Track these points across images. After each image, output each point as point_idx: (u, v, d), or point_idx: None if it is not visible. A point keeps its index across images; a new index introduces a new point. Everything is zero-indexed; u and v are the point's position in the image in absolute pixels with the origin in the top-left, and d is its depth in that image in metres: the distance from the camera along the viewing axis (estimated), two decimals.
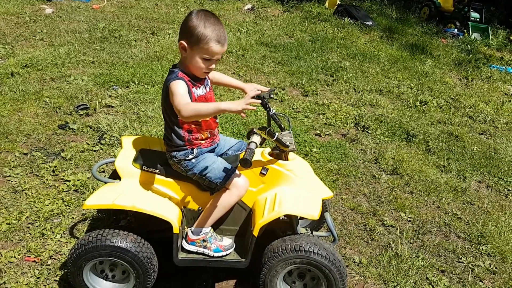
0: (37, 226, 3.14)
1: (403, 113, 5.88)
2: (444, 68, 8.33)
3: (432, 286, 3.00)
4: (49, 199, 3.42)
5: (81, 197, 3.49)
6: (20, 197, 3.41)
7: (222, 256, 2.60)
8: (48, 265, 2.84)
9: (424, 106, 6.28)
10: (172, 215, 2.47)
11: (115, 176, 2.70)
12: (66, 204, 3.39)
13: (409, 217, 3.73)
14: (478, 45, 10.33)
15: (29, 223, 3.17)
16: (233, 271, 2.87)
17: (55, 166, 3.83)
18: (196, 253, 2.61)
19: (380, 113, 5.73)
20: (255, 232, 2.46)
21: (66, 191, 3.54)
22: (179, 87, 2.26)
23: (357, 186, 4.10)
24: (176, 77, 2.31)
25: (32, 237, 3.06)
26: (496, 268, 3.27)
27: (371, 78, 6.98)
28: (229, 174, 2.52)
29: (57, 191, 3.53)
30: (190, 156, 2.51)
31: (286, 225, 2.71)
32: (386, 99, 6.33)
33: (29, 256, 2.90)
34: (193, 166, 2.53)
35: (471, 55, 9.31)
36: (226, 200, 2.53)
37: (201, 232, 2.58)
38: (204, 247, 2.59)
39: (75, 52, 6.49)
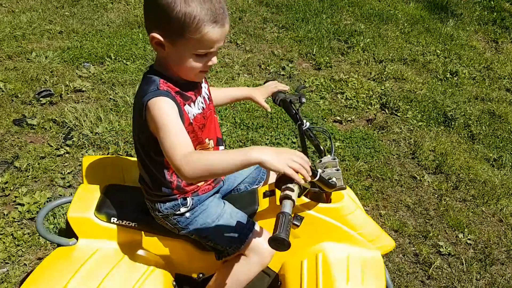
0: None
1: (435, 89, 4.94)
2: (468, 29, 7.29)
3: None
4: None
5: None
6: None
7: None
8: None
9: (455, 78, 5.33)
10: None
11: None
12: (17, 242, 2.49)
13: (469, 239, 2.89)
14: (500, 1, 9.23)
15: None
16: None
17: (5, 182, 2.90)
18: None
19: (408, 89, 4.79)
20: None
21: (18, 221, 2.64)
22: (167, 111, 1.34)
23: (396, 194, 3.24)
24: (157, 91, 1.38)
25: None
26: None
27: (392, 44, 5.97)
28: (244, 234, 1.63)
29: (6, 221, 2.62)
30: (183, 210, 1.61)
31: None
32: (411, 70, 5.36)
33: None
34: (187, 223, 1.63)
35: (495, 13, 8.25)
36: (242, 272, 1.65)
37: None
38: None
39: (40, 20, 5.37)
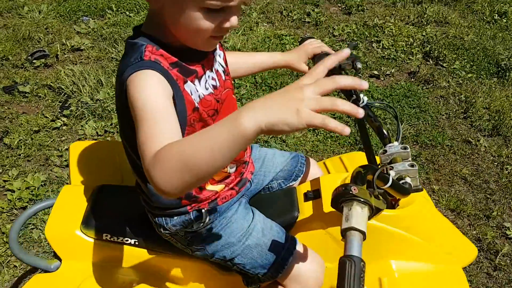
0: None
1: (483, 33, 4.27)
2: None
3: None
4: None
5: (31, 222, 2.20)
6: None
7: None
8: None
9: (504, 20, 4.61)
10: None
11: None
12: (5, 238, 2.12)
13: None
14: None
15: None
16: None
17: None
18: None
19: (453, 34, 4.13)
20: None
21: (8, 212, 2.25)
22: (145, 88, 0.87)
23: (449, 164, 2.74)
24: (139, 62, 0.91)
25: None
26: None
27: None
28: (283, 257, 1.18)
29: None
30: (196, 226, 1.16)
31: None
32: (454, 12, 4.66)
33: None
34: (204, 243, 1.19)
35: None
36: None
37: None
38: None
39: None
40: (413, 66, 3.64)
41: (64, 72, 3.20)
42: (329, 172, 1.61)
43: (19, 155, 2.58)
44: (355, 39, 3.96)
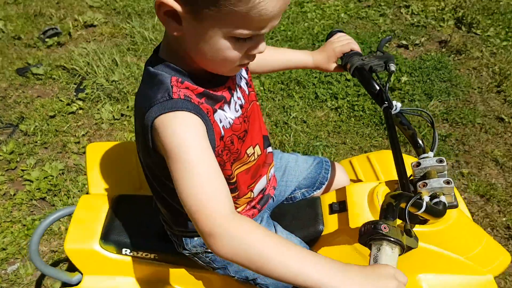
0: None
1: None
2: None
3: None
4: None
5: (50, 212, 2.19)
6: None
7: None
8: None
9: None
10: None
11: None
12: (26, 231, 2.11)
13: None
14: None
15: None
16: None
17: (11, 152, 2.48)
18: None
19: None
20: None
21: (27, 204, 2.24)
22: (186, 138, 0.80)
23: (480, 145, 2.59)
24: (169, 101, 0.82)
25: None
26: None
27: None
28: None
29: (13, 204, 2.23)
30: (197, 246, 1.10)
31: None
32: None
33: None
34: (225, 263, 1.13)
35: None
36: None
37: None
38: None
39: None
40: (445, 35, 3.41)
41: (77, 52, 3.11)
42: (355, 173, 1.51)
43: (36, 142, 2.55)
44: (382, 4, 3.72)
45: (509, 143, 2.61)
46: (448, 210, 1.16)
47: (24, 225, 2.13)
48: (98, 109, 2.76)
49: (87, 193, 1.44)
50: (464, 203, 1.47)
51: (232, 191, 1.01)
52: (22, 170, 2.38)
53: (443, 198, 1.07)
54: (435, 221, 1.17)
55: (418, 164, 1.11)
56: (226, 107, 0.94)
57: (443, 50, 3.28)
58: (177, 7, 0.75)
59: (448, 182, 1.07)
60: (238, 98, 0.98)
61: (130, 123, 2.68)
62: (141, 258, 1.25)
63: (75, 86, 2.91)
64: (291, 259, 0.74)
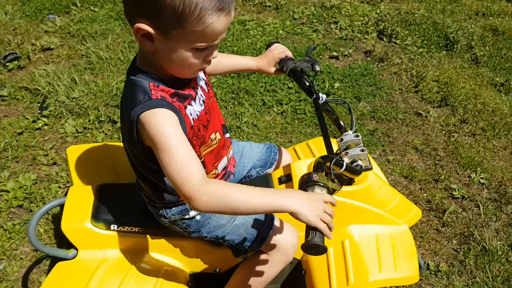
0: None
1: (433, 7, 4.59)
2: None
3: None
4: None
5: (29, 218, 2.39)
6: None
7: None
8: None
9: None
10: None
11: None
12: (8, 235, 2.31)
13: (482, 177, 2.77)
14: None
15: None
16: None
17: None
18: None
19: (405, 10, 4.43)
20: None
21: (6, 211, 2.43)
22: (167, 129, 1.10)
23: (402, 136, 3.06)
24: (150, 101, 1.12)
25: None
26: None
27: None
28: (264, 232, 1.45)
29: None
30: (192, 214, 1.41)
31: None
32: None
33: None
34: (199, 226, 1.45)
35: None
36: (264, 271, 1.49)
37: None
38: None
39: None
40: (369, 46, 3.93)
41: (38, 73, 3.31)
42: (298, 157, 1.88)
43: (7, 157, 2.73)
44: (314, 21, 4.20)
45: (427, 133, 3.11)
46: (366, 173, 1.56)
47: (6, 230, 2.32)
48: (62, 124, 2.97)
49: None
50: (380, 170, 1.88)
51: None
52: None
53: (360, 162, 1.46)
54: (358, 181, 1.56)
55: (341, 139, 1.50)
56: (193, 102, 1.27)
57: (368, 59, 3.78)
58: (151, 30, 1.05)
59: (362, 150, 1.46)
60: (201, 95, 1.31)
61: (92, 135, 2.92)
62: (126, 232, 1.53)
63: (39, 104, 3.11)
64: (252, 196, 1.08)
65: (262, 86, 3.35)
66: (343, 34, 4.04)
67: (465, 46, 4.00)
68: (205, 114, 1.31)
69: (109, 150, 1.81)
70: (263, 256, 1.49)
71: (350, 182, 1.58)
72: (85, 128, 2.98)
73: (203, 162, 1.37)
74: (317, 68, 1.56)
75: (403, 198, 1.73)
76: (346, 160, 1.41)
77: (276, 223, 1.47)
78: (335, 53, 3.77)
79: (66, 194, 1.63)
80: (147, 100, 1.11)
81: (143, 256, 1.57)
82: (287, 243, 1.46)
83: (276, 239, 1.45)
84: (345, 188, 1.54)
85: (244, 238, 1.45)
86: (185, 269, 1.62)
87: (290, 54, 1.64)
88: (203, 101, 1.32)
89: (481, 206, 2.59)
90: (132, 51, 3.60)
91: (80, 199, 1.57)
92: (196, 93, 1.28)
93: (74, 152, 1.78)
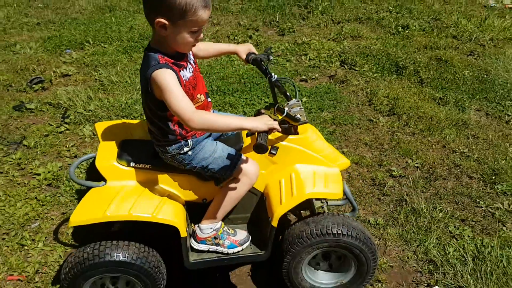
0: (13, 236, 2.72)
1: (388, 43, 5.49)
2: None
3: (456, 239, 2.82)
4: (20, 201, 2.97)
5: (57, 192, 3.04)
6: None
7: (238, 252, 2.29)
8: (36, 282, 2.47)
9: (407, 31, 5.89)
10: (176, 216, 2.11)
11: (98, 175, 2.26)
12: (41, 203, 2.95)
13: (417, 163, 3.48)
14: None
15: (3, 234, 2.74)
16: None
17: (19, 158, 3.33)
18: (208, 251, 2.29)
19: (364, 45, 5.32)
20: (275, 223, 2.14)
21: (39, 188, 3.09)
22: (169, 79, 1.79)
23: (356, 135, 3.80)
24: (158, 64, 1.83)
25: (10, 250, 2.65)
26: None
27: (348, 5, 6.47)
28: (234, 162, 2.14)
29: (28, 188, 3.07)
30: (185, 149, 2.10)
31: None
32: (367, 28, 5.89)
33: (12, 275, 2.52)
34: (190, 159, 2.13)
35: None
36: (236, 191, 2.17)
37: (211, 228, 2.25)
38: (217, 244, 2.27)
39: (16, 14, 5.66)
40: (332, 71, 4.75)
41: (59, 91, 4.07)
42: None
43: (37, 152, 3.41)
44: (288, 54, 5.05)
45: (375, 134, 3.84)
46: (306, 127, 2.28)
47: (39, 200, 2.97)
48: (80, 129, 3.68)
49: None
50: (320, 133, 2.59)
51: None
52: (31, 169, 3.23)
53: (299, 116, 2.17)
54: (301, 132, 2.26)
55: (288, 103, 2.23)
56: (185, 70, 1.99)
57: (331, 81, 4.59)
58: (166, 22, 1.79)
59: (300, 108, 2.19)
60: (190, 66, 2.05)
61: None
62: (140, 168, 2.20)
63: (61, 115, 3.84)
64: (226, 119, 1.81)
65: (243, 101, 4.11)
66: (311, 63, 4.87)
67: (412, 71, 4.84)
68: (193, 80, 2.04)
69: (127, 126, 2.51)
70: (234, 181, 2.17)
71: (295, 132, 2.28)
72: None
73: None
74: (271, 57, 2.32)
75: (335, 150, 2.43)
76: (287, 109, 2.13)
77: (243, 157, 2.17)
78: (304, 77, 4.58)
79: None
80: (156, 64, 1.83)
81: (152, 185, 2.23)
82: (251, 169, 2.15)
83: (243, 166, 2.14)
84: (291, 136, 2.25)
85: (221, 167, 2.13)
86: (182, 197, 2.29)
87: (256, 52, 2.40)
88: (192, 71, 2.05)
89: (413, 182, 3.28)
90: (137, 77, 4.38)
91: (108, 149, 2.26)
92: (187, 65, 2.02)
93: (100, 125, 2.48)
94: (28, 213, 2.87)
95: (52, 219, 2.86)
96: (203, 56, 2.34)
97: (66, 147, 3.50)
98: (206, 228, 2.25)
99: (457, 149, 3.67)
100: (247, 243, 2.31)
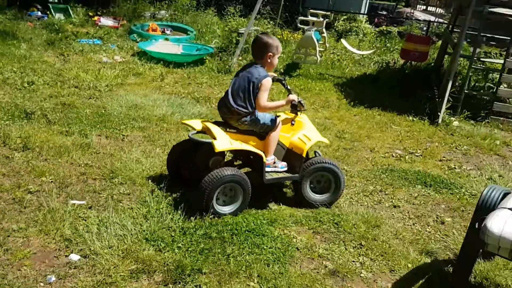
0: None
1: (15, 96, 6.12)
2: (39, 49, 8.80)
3: (85, 220, 3.72)
4: None
5: None
6: None
7: (285, 171, 4.12)
8: None
9: (32, 86, 6.67)
10: (260, 151, 3.95)
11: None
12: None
13: (51, 179, 4.27)
14: (64, 24, 11.20)
15: None
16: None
17: None
18: (273, 172, 4.08)
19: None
20: (304, 154, 4.06)
21: None
22: (268, 85, 3.80)
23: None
24: (266, 74, 3.82)
25: None
26: (129, 190, 4.29)
27: None
28: (274, 120, 4.05)
29: None
30: (254, 117, 3.96)
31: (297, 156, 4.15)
32: None
33: None
34: (257, 123, 3.98)
35: (60, 34, 10.10)
36: (275, 135, 4.05)
37: (272, 158, 4.06)
38: (275, 166, 4.08)
39: None
40: None
41: None
42: None
43: None
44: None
45: (13, 166, 4.41)
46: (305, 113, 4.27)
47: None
48: None
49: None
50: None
51: None
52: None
53: (302, 101, 3.93)
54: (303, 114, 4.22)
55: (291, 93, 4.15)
56: (270, 78, 3.97)
57: None
58: (271, 54, 3.88)
59: (295, 93, 3.88)
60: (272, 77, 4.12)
61: None
62: (230, 132, 3.93)
63: None
64: (275, 103, 4.12)
65: None
66: None
67: (40, 115, 5.65)
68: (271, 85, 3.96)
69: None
70: (272, 133, 4.02)
71: (300, 109, 4.13)
72: None
73: None
74: (284, 82, 4.35)
75: (318, 133, 4.45)
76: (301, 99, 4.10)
77: (278, 119, 4.10)
78: None
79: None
80: (264, 74, 3.81)
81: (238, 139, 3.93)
82: (279, 123, 4.10)
83: (277, 123, 4.07)
84: (300, 114, 4.29)
85: (268, 124, 4.00)
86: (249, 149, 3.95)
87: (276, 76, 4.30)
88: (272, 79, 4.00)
89: (50, 191, 4.06)
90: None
91: (208, 125, 3.93)
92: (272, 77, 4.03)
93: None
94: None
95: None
96: None
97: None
98: (270, 158, 4.04)
99: (82, 163, 4.68)
100: (287, 168, 4.15)
